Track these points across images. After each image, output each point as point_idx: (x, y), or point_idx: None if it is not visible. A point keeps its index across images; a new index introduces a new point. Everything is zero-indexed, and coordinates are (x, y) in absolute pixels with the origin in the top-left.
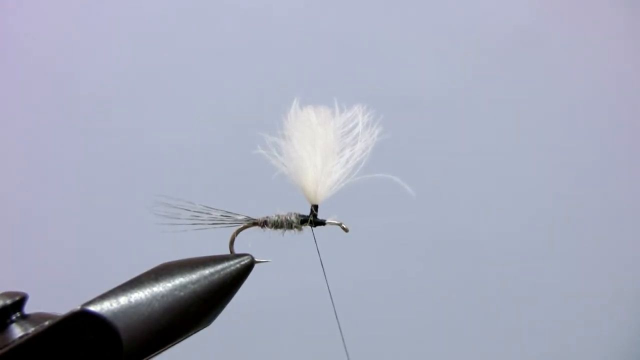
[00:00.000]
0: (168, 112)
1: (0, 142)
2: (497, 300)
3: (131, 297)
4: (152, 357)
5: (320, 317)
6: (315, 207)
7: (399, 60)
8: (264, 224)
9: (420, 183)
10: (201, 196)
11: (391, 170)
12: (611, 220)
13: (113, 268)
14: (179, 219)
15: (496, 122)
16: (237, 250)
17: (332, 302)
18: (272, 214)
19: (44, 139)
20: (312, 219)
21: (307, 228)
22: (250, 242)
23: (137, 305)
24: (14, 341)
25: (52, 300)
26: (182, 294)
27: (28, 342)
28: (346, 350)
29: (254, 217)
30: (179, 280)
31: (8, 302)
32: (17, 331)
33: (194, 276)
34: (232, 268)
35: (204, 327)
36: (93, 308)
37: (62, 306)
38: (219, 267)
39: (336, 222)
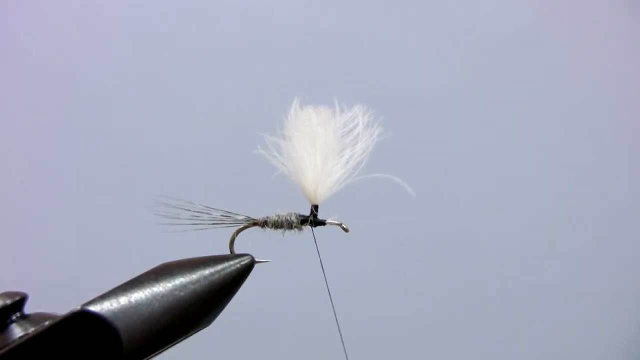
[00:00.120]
0: (168, 112)
1: (0, 142)
2: (497, 300)
3: (131, 297)
4: (152, 357)
5: (320, 317)
6: (315, 207)
7: (399, 60)
8: (264, 224)
9: (420, 183)
10: (201, 196)
11: (391, 171)
12: (611, 220)
13: (113, 268)
14: (179, 219)
15: (496, 122)
16: (237, 250)
17: (332, 302)
18: (272, 214)
19: (44, 139)
20: (312, 219)
21: (307, 228)
22: (250, 242)
23: (137, 305)
24: (14, 341)
25: (52, 300)
26: (182, 294)
27: (28, 342)
28: (345, 351)
29: (254, 217)
30: (179, 280)
31: (8, 302)
32: (17, 331)
33: (194, 276)
34: (232, 268)
35: (204, 327)
36: (93, 308)
37: (62, 306)
38: (219, 267)
39: (336, 222)
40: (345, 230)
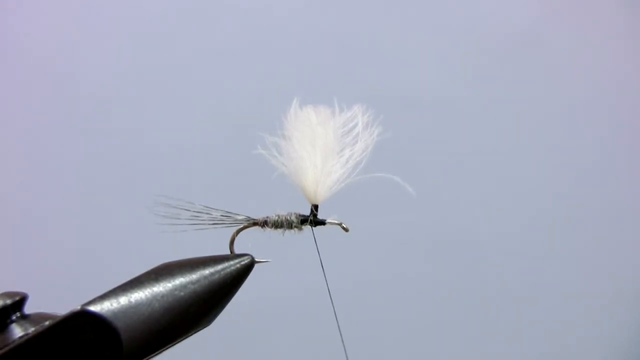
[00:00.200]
0: (168, 112)
1: (0, 142)
2: (497, 300)
3: (131, 297)
4: (152, 357)
5: (320, 317)
6: (315, 207)
7: (399, 60)
8: (264, 224)
9: (420, 183)
10: (201, 196)
11: (391, 170)
12: (611, 220)
13: (113, 268)
14: (179, 219)
15: (496, 122)
16: (237, 250)
17: (332, 302)
18: (272, 214)
19: (44, 139)
20: (312, 219)
21: (307, 228)
22: (250, 242)
23: (137, 305)
24: (14, 341)
25: (52, 300)
26: (182, 294)
27: (28, 342)
28: (345, 351)
29: (254, 217)
30: (179, 280)
31: (8, 302)
32: (17, 331)
33: (194, 276)
34: (232, 268)
35: (204, 327)
36: (93, 308)
37: (62, 306)
38: (219, 267)
39: (336, 221)
40: (345, 230)
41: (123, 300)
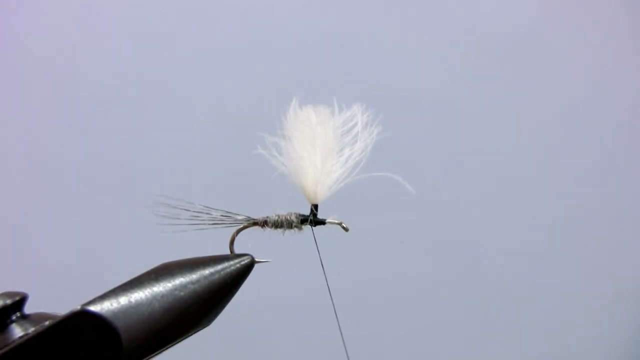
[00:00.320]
0: (168, 112)
1: (0, 142)
2: (497, 300)
3: (131, 297)
4: (152, 357)
5: (320, 317)
6: (315, 206)
7: (399, 60)
8: (264, 223)
9: (420, 183)
10: (201, 196)
11: (391, 170)
12: (611, 220)
13: (113, 268)
14: (179, 219)
15: (496, 122)
16: (237, 250)
17: (332, 302)
18: (272, 214)
19: (44, 139)
20: (312, 219)
21: (307, 228)
22: (250, 242)
23: (137, 305)
24: (14, 341)
25: (52, 300)
26: (182, 294)
27: (28, 342)
28: (346, 350)
29: (254, 217)
30: (179, 280)
31: (8, 302)
32: (17, 331)
33: (194, 276)
34: (232, 268)
35: (204, 327)
36: (93, 308)
37: (62, 306)
38: (219, 267)
39: (336, 221)
40: (345, 229)
41: (123, 300)
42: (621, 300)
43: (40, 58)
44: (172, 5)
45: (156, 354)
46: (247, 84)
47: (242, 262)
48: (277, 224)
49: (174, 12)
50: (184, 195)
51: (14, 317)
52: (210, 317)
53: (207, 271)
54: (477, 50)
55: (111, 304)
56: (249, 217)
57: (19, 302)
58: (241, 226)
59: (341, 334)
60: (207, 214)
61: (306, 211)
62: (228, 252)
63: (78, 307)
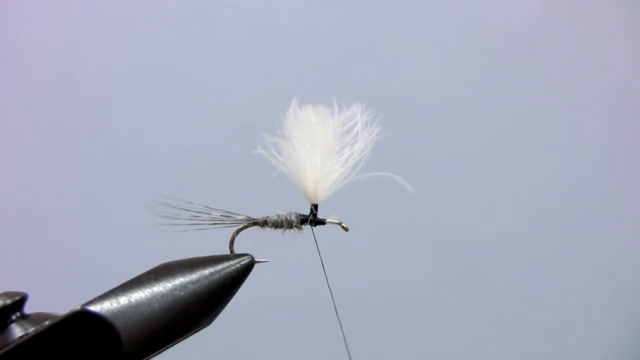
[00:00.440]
0: (168, 112)
1: (0, 142)
2: (497, 300)
3: (131, 297)
4: (152, 357)
5: (320, 317)
6: (315, 206)
7: (399, 60)
8: (264, 223)
9: (420, 183)
10: (201, 196)
11: (391, 170)
12: (611, 220)
13: (113, 268)
14: (178, 219)
15: (496, 122)
16: (237, 250)
17: (333, 302)
18: (272, 214)
19: (44, 139)
20: (312, 219)
21: (307, 227)
22: (250, 242)
23: (137, 305)
24: (14, 341)
25: (52, 300)
26: (182, 293)
27: (28, 342)
28: (348, 350)
29: (254, 217)
30: (179, 280)
31: (8, 302)
32: (17, 331)
33: (194, 276)
34: (232, 268)
35: (204, 327)
36: (93, 308)
37: (62, 306)
38: (219, 267)
39: (336, 221)
40: (345, 229)
41: (123, 300)
42: (621, 300)
43: (40, 58)
44: (172, 5)
45: (156, 354)
46: (247, 84)
47: (242, 262)
48: (277, 224)
49: (174, 12)
50: (184, 195)
51: (14, 317)
52: (210, 317)
53: (207, 271)
54: (477, 50)
55: (111, 304)
56: (249, 217)
57: (19, 302)
58: (241, 226)
59: (343, 333)
60: (207, 214)
61: (306, 211)
62: (228, 252)
63: (78, 307)
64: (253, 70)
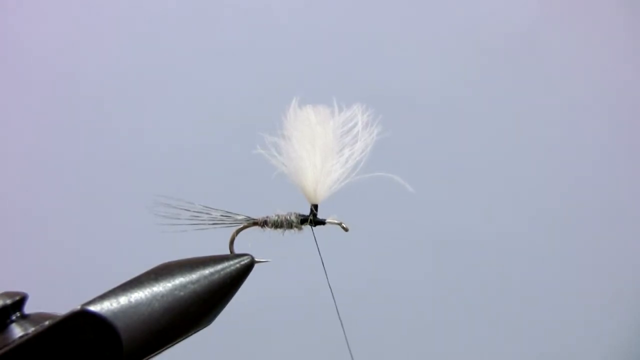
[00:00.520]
0: (168, 112)
1: (0, 142)
2: (497, 300)
3: (131, 297)
4: (152, 357)
5: (320, 317)
6: (315, 206)
7: (399, 60)
8: (264, 223)
9: (420, 183)
10: (201, 196)
11: (391, 170)
12: (611, 220)
13: (113, 268)
14: (178, 219)
15: (496, 122)
16: (237, 250)
17: (334, 301)
18: (272, 214)
19: (44, 139)
20: (312, 219)
21: (307, 228)
22: (250, 242)
23: (137, 305)
24: (14, 341)
25: (52, 300)
26: (182, 293)
27: (28, 342)
28: (349, 350)
29: (254, 217)
30: (179, 280)
31: (8, 302)
32: (17, 331)
33: (194, 276)
34: (232, 268)
35: (204, 327)
36: (93, 308)
37: (62, 306)
38: (219, 267)
39: (336, 221)
40: (345, 229)
41: (123, 300)
42: (621, 300)
43: (40, 58)
44: (172, 5)
45: (156, 354)
46: (247, 84)
47: (242, 262)
48: (277, 224)
49: (173, 12)
50: (184, 195)
51: (14, 317)
52: (210, 317)
53: (207, 271)
54: (477, 50)
55: (111, 304)
56: (248, 217)
57: (19, 302)
58: (241, 226)
59: (344, 333)
60: (207, 214)
61: (306, 211)
62: (228, 252)
63: (78, 307)
64: (253, 70)
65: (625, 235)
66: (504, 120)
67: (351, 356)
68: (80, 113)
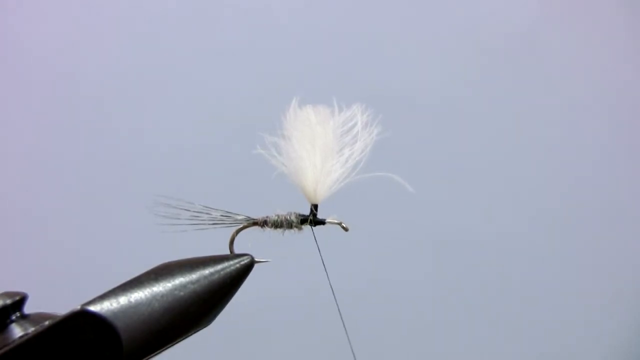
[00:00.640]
0: (168, 112)
1: (0, 142)
2: (497, 300)
3: (131, 297)
4: (152, 357)
5: (320, 317)
6: (315, 206)
7: (399, 60)
8: (263, 223)
9: (420, 183)
10: (201, 196)
11: (391, 170)
12: (611, 220)
13: (113, 268)
14: (178, 219)
15: (496, 122)
16: (237, 250)
17: (336, 301)
18: (272, 214)
19: (44, 139)
20: (312, 219)
21: (307, 227)
22: (250, 242)
23: (137, 305)
24: (14, 341)
25: (52, 300)
26: (182, 293)
27: (28, 342)
28: (352, 350)
29: (254, 217)
30: (179, 280)
31: (8, 302)
32: (17, 331)
33: (194, 276)
34: (232, 268)
35: (204, 327)
36: (93, 308)
37: (62, 306)
38: (219, 267)
39: (336, 221)
40: (345, 229)
41: (123, 300)
42: (621, 300)
43: (40, 58)
44: (172, 6)
45: (156, 354)
46: (247, 84)
47: (242, 262)
48: (277, 224)
49: (173, 12)
50: (184, 195)
51: (13, 317)
52: (210, 317)
53: (207, 271)
54: (477, 50)
55: (111, 304)
56: (248, 217)
57: (19, 302)
58: (241, 226)
59: (346, 332)
60: (207, 214)
61: (306, 211)
62: (228, 252)
63: (78, 307)
64: (253, 70)
65: (625, 235)
66: (504, 120)
67: (354, 356)
68: (80, 113)
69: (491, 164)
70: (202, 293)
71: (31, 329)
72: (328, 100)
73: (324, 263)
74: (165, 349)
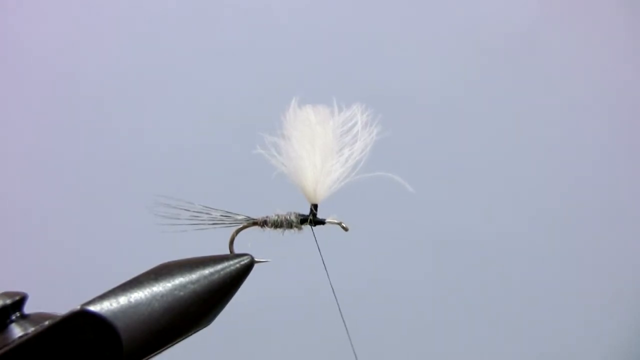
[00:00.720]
0: (168, 112)
1: (0, 142)
2: (497, 300)
3: (131, 297)
4: (152, 357)
5: (320, 317)
6: (315, 206)
7: (399, 60)
8: (263, 223)
9: (420, 183)
10: (201, 196)
11: (391, 170)
12: (611, 220)
13: (113, 268)
14: (178, 219)
15: (496, 122)
16: (237, 250)
17: (337, 301)
18: (271, 214)
19: (44, 139)
20: (312, 219)
21: (306, 227)
22: (250, 242)
23: (137, 305)
24: (14, 341)
25: (52, 300)
26: (182, 293)
27: (28, 342)
28: (353, 349)
29: (254, 217)
30: (179, 280)
31: (8, 302)
32: (17, 331)
33: (193, 276)
34: (232, 268)
35: (204, 327)
36: (93, 308)
37: (62, 306)
38: (218, 267)
39: (336, 221)
40: (345, 229)
41: (123, 300)
42: (621, 300)
43: (40, 58)
44: (172, 6)
45: (156, 354)
46: (247, 84)
47: (242, 262)
48: (277, 224)
49: (174, 12)
50: (184, 196)
51: (13, 317)
52: (210, 317)
53: (206, 271)
54: (477, 50)
55: (111, 304)
56: (248, 217)
57: (19, 302)
58: (241, 226)
59: (347, 332)
60: (207, 214)
61: (306, 211)
62: (228, 252)
63: (78, 307)
64: (253, 70)
65: (625, 235)
66: (504, 120)
67: (355, 356)
68: (80, 113)
69: (491, 164)
70: (202, 293)
71: (31, 329)
72: (328, 100)
73: (324, 263)
74: (165, 349)
